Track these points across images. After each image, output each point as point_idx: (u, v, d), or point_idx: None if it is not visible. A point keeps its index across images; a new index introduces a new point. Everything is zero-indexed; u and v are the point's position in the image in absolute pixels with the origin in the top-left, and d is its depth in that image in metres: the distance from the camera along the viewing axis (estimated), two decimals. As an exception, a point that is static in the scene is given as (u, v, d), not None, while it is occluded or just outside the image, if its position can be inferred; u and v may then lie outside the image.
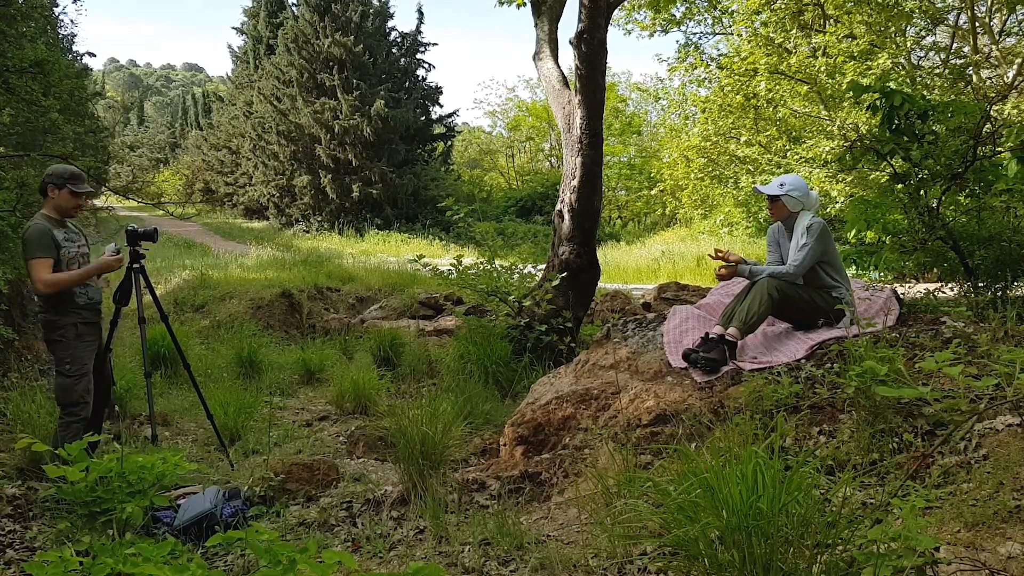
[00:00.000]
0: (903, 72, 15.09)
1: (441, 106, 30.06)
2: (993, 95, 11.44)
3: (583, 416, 3.77)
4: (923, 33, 17.07)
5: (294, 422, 5.53)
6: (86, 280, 3.93)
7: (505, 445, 4.02)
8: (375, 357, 6.95)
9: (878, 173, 10.09)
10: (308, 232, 25.59)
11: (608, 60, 6.45)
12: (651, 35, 17.10)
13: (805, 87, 15.36)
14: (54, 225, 3.91)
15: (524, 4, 8.18)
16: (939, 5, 15.85)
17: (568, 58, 6.65)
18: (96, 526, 2.66)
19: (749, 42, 15.81)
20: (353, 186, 25.68)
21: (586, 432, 3.63)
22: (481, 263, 6.74)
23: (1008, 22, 15.82)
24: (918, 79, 14.96)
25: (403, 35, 28.79)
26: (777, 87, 15.41)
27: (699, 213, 22.73)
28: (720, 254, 4.04)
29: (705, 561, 1.97)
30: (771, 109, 16.66)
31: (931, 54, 17.46)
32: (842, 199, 13.61)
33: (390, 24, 28.42)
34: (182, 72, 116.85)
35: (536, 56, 7.33)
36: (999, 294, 4.75)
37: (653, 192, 25.89)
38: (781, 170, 16.05)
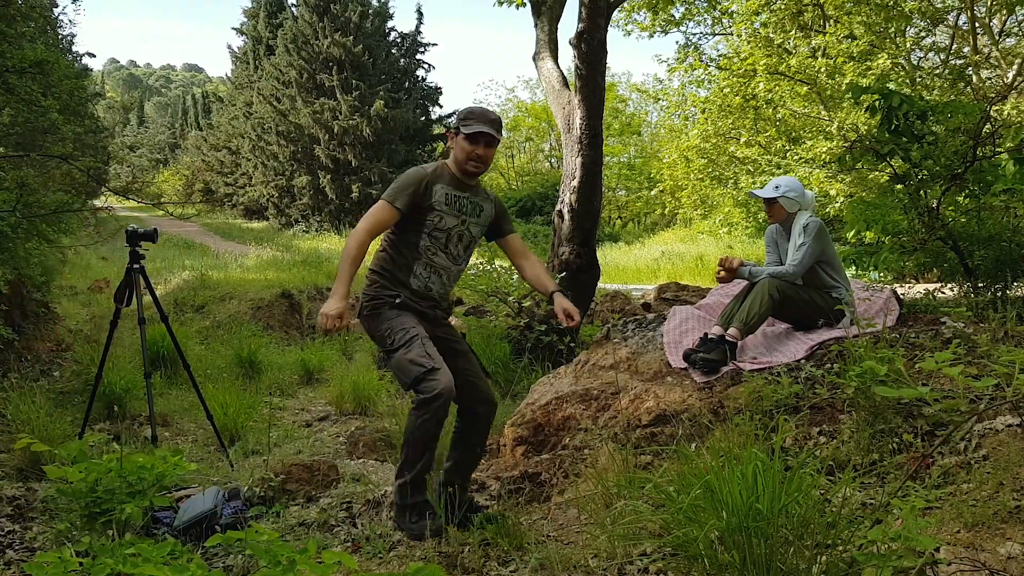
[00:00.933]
0: (903, 73, 15.10)
1: (441, 106, 30.06)
2: (993, 95, 11.45)
3: (583, 416, 3.77)
4: (923, 34, 17.09)
5: (294, 422, 5.54)
6: (342, 283, 2.83)
7: (505, 445, 4.02)
8: (375, 357, 6.94)
9: (877, 173, 10.10)
10: (308, 232, 25.56)
11: (608, 60, 6.46)
12: (651, 36, 17.11)
13: (805, 88, 15.37)
14: (446, 181, 2.93)
15: (524, 4, 8.18)
16: (939, 5, 15.87)
17: (568, 58, 6.65)
18: (96, 527, 2.66)
19: (748, 43, 15.81)
20: (353, 186, 25.69)
21: (586, 432, 3.62)
22: (480, 263, 6.73)
23: (1008, 22, 15.83)
24: (918, 80, 14.97)
25: (403, 35, 28.79)
26: (776, 88, 15.42)
27: (699, 213, 22.76)
28: (725, 263, 4.03)
29: (705, 562, 1.97)
30: (770, 110, 16.67)
31: (931, 55, 17.49)
32: (841, 199, 13.62)
33: (389, 24, 28.43)
34: (182, 72, 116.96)
35: (536, 56, 7.33)
36: (999, 294, 4.75)
37: (653, 192, 25.93)
38: (780, 171, 16.07)
